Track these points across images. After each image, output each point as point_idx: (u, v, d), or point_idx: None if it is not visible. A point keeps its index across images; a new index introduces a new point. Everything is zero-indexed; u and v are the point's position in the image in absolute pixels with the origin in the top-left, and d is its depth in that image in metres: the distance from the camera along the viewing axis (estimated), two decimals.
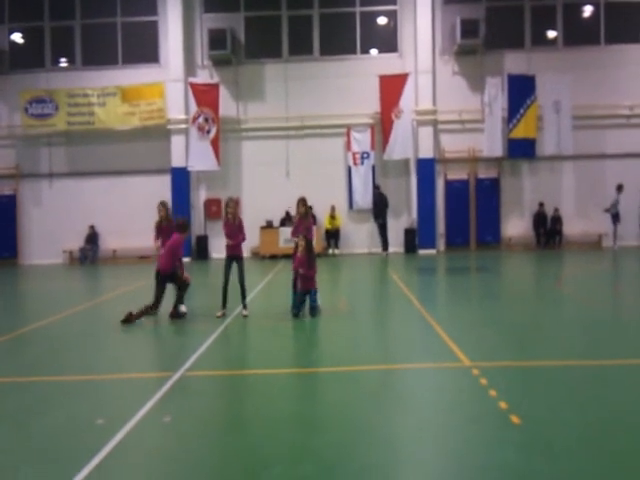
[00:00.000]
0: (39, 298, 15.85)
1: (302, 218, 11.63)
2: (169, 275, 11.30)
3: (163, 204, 12.25)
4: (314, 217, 22.15)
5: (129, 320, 10.80)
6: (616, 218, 22.93)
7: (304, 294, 10.97)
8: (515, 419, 5.47)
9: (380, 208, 23.55)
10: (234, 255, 11.30)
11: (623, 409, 5.78)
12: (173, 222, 11.94)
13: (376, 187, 23.76)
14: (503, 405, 5.84)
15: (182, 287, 11.39)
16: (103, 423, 5.71)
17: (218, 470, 4.78)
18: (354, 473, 4.58)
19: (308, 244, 11.06)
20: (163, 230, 12.00)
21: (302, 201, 11.71)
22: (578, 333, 9.36)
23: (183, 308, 11.41)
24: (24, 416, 6.07)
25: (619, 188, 22.92)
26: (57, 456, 5.07)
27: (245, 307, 11.27)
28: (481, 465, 4.63)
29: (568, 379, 6.80)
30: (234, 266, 11.24)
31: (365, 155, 23.95)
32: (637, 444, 4.97)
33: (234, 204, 11.41)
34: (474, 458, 4.77)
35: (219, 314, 11.11)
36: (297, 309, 10.92)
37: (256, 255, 23.22)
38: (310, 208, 12.65)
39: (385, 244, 23.58)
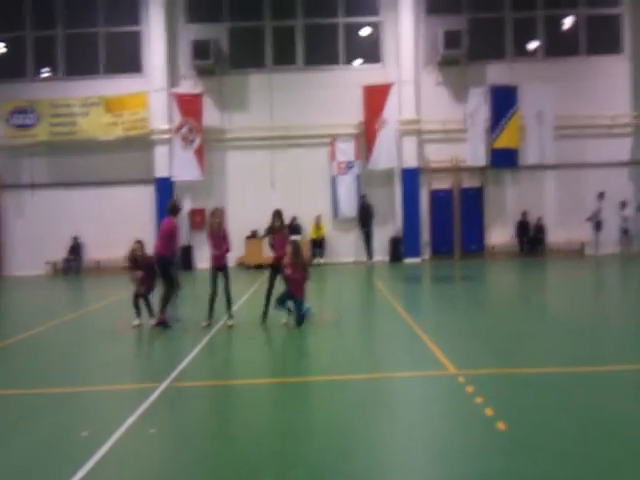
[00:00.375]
0: (22, 310, 15.70)
1: (277, 232, 11.65)
2: (166, 263, 11.24)
3: (139, 242, 11.70)
4: (299, 226, 22.25)
5: (161, 322, 11.17)
6: (598, 226, 23.13)
7: (289, 296, 10.95)
8: (501, 425, 5.49)
9: (365, 217, 23.66)
10: (219, 266, 11.29)
11: (609, 414, 5.82)
12: (151, 259, 11.54)
13: (362, 196, 23.86)
14: (489, 412, 5.86)
15: (171, 291, 11.30)
16: (88, 435, 5.67)
17: None
18: None
19: (296, 248, 11.09)
20: (140, 265, 11.59)
21: (277, 214, 11.70)
22: (562, 340, 9.40)
23: (168, 318, 11.34)
24: (7, 429, 6.02)
25: (600, 196, 23.15)
26: (41, 469, 5.02)
27: (231, 317, 11.23)
28: (468, 472, 4.64)
29: (553, 385, 6.84)
30: (220, 276, 11.23)
31: (350, 165, 24.02)
32: (623, 449, 5.00)
33: (220, 214, 11.40)
34: (461, 465, 4.78)
35: (205, 324, 11.06)
36: (280, 305, 10.94)
37: (241, 265, 23.16)
38: (294, 219, 12.70)
39: (369, 253, 23.68)
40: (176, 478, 4.77)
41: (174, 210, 11.58)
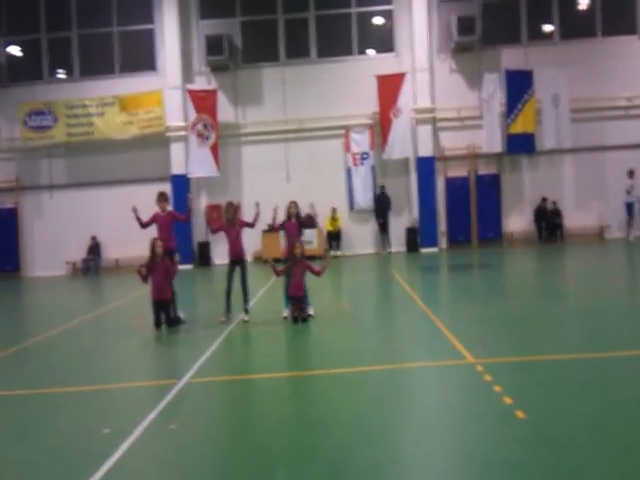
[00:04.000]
0: (42, 310, 15.87)
1: (289, 221, 11.56)
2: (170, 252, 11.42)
3: (160, 239, 11.19)
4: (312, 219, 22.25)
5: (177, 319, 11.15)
6: (631, 207, 22.78)
7: (298, 299, 10.81)
8: (520, 414, 5.46)
9: (383, 208, 23.61)
10: (236, 259, 11.28)
11: (628, 400, 5.77)
12: (169, 260, 11.25)
13: (381, 187, 23.82)
14: (508, 400, 5.84)
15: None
16: (109, 432, 5.72)
17: (226, 475, 4.78)
18: (362, 472, 4.59)
19: (303, 252, 10.99)
20: (155, 267, 11.04)
21: (293, 203, 11.64)
22: (581, 327, 9.35)
23: (181, 314, 11.39)
24: (31, 428, 6.08)
25: (631, 174, 22.77)
26: (64, 467, 5.08)
27: (247, 312, 11.21)
28: (487, 460, 4.63)
29: (572, 372, 6.79)
30: (237, 270, 11.23)
31: (364, 155, 23.96)
32: None
33: (232, 209, 11.40)
34: (480, 454, 4.76)
35: (222, 319, 11.08)
36: (297, 313, 10.76)
37: (258, 259, 23.19)
38: (308, 215, 12.66)
39: (387, 243, 23.67)
40: (197, 473, 4.80)
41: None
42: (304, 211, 12.70)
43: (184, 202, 12.85)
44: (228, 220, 11.29)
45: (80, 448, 5.46)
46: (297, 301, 10.78)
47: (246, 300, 11.22)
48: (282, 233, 12.06)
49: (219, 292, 11.45)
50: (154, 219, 11.77)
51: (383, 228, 23.74)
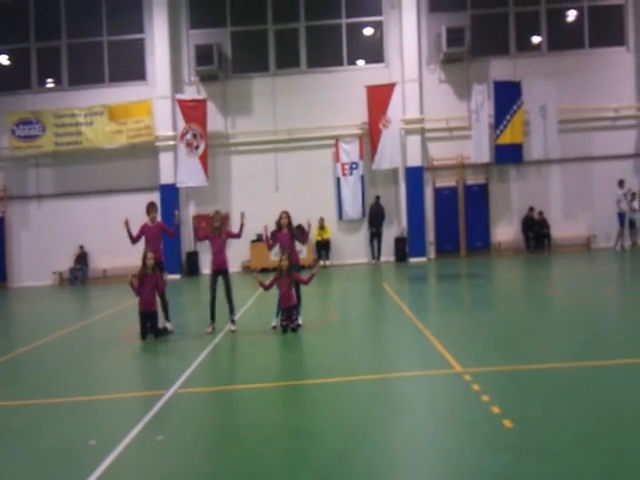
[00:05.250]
0: (29, 321, 15.73)
1: (281, 231, 11.53)
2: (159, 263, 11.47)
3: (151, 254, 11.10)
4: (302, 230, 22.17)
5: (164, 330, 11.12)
6: (622, 217, 22.94)
7: (289, 309, 10.82)
8: (508, 423, 5.47)
9: (378, 218, 23.69)
10: (219, 269, 11.24)
11: (615, 408, 5.79)
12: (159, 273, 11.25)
13: (377, 197, 23.93)
14: (496, 410, 5.85)
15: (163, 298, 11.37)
16: (96, 444, 5.67)
17: None
18: None
19: (290, 265, 10.92)
20: (145, 280, 11.01)
21: (284, 213, 11.53)
22: (569, 336, 9.37)
23: (168, 325, 11.34)
24: (17, 440, 6.03)
25: (621, 183, 22.93)
26: (50, 479, 5.03)
27: (233, 322, 11.18)
28: (475, 470, 4.63)
29: (559, 381, 6.81)
30: (220, 281, 11.20)
31: (354, 166, 24.00)
32: (630, 442, 4.98)
33: (219, 217, 11.36)
34: (468, 463, 4.76)
35: (208, 330, 11.04)
36: (286, 322, 10.80)
37: (247, 269, 23.16)
38: (300, 226, 12.60)
39: (378, 253, 23.70)
40: None
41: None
42: (296, 222, 12.69)
43: (172, 215, 12.78)
44: (215, 229, 11.25)
45: (66, 460, 5.41)
46: (287, 311, 10.76)
47: (232, 311, 11.19)
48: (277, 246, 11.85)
49: (207, 301, 11.41)
50: (143, 231, 11.76)
51: (376, 238, 23.80)
